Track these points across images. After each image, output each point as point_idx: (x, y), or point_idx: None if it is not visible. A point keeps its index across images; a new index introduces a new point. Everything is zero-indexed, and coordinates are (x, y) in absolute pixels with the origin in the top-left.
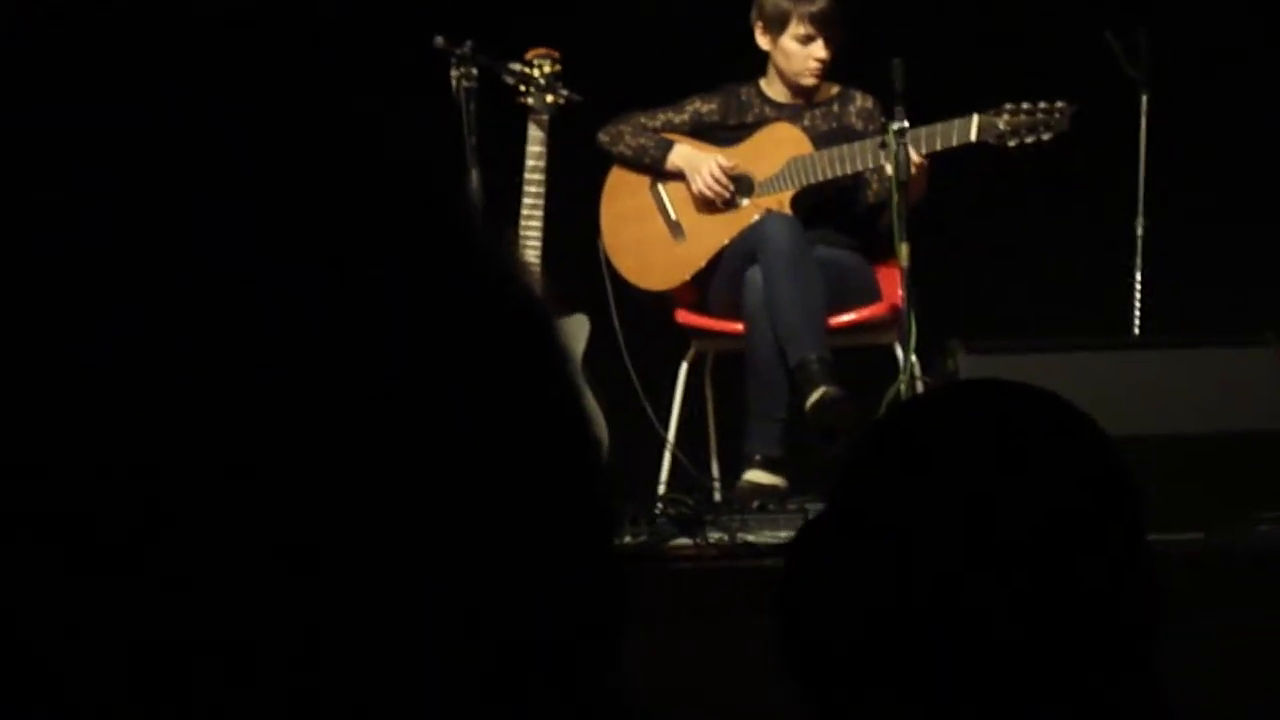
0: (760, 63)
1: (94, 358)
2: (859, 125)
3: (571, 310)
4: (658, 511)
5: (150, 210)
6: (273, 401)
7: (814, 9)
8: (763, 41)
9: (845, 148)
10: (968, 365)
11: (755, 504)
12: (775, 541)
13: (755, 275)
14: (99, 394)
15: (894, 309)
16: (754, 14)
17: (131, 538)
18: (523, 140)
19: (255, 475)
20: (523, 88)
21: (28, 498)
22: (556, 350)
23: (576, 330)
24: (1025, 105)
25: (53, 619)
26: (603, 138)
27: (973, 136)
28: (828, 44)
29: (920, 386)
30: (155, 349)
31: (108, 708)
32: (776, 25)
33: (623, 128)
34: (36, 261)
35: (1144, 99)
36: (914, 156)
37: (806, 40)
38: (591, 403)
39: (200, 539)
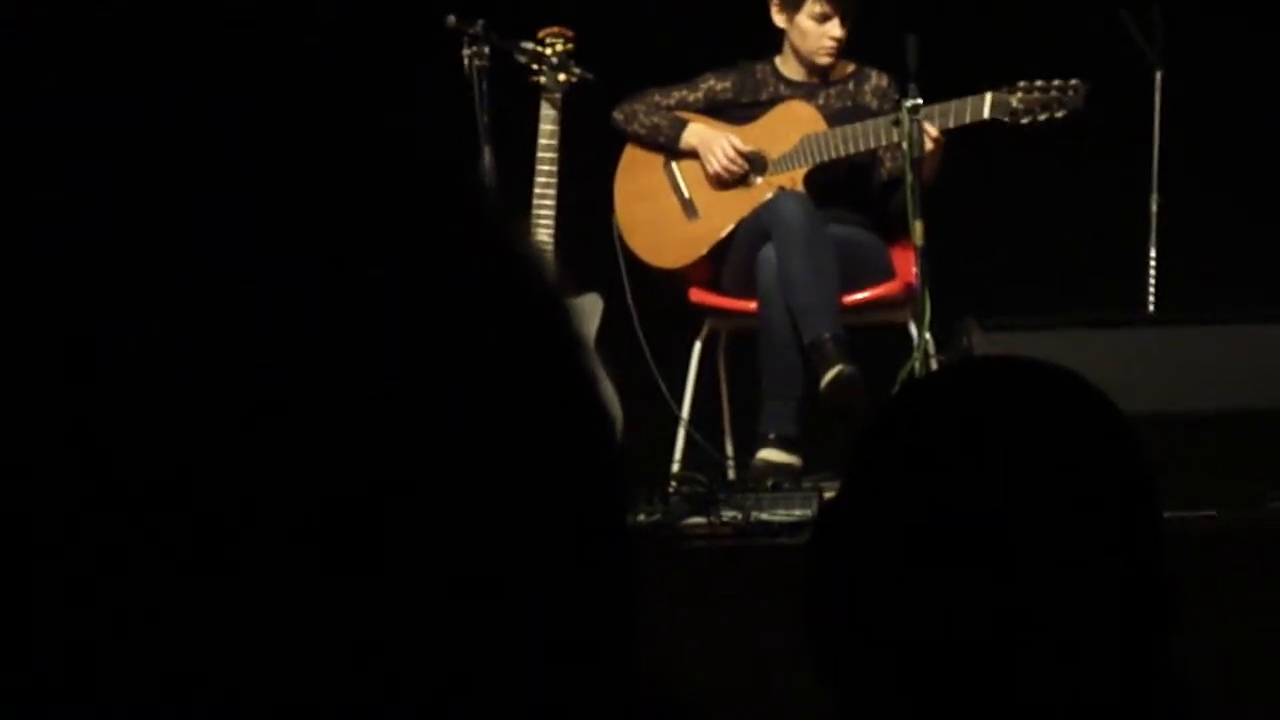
0: (775, 40)
1: (93, 358)
2: (874, 104)
3: (585, 289)
4: (671, 490)
5: (149, 210)
6: (274, 399)
7: None
8: (779, 19)
9: (859, 125)
10: (982, 342)
11: (769, 483)
12: (789, 520)
13: (769, 253)
14: (96, 396)
15: (908, 286)
16: None
17: (123, 544)
18: (535, 119)
19: (257, 473)
20: (535, 67)
21: (18, 498)
22: (570, 336)
23: (590, 309)
24: (1039, 83)
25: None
26: (617, 116)
27: (986, 114)
28: (844, 23)
29: (934, 364)
30: (155, 349)
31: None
32: (793, 3)
33: (637, 106)
34: (36, 261)
35: (1158, 76)
36: (930, 131)
37: (823, 19)
38: (606, 384)
39: (199, 544)
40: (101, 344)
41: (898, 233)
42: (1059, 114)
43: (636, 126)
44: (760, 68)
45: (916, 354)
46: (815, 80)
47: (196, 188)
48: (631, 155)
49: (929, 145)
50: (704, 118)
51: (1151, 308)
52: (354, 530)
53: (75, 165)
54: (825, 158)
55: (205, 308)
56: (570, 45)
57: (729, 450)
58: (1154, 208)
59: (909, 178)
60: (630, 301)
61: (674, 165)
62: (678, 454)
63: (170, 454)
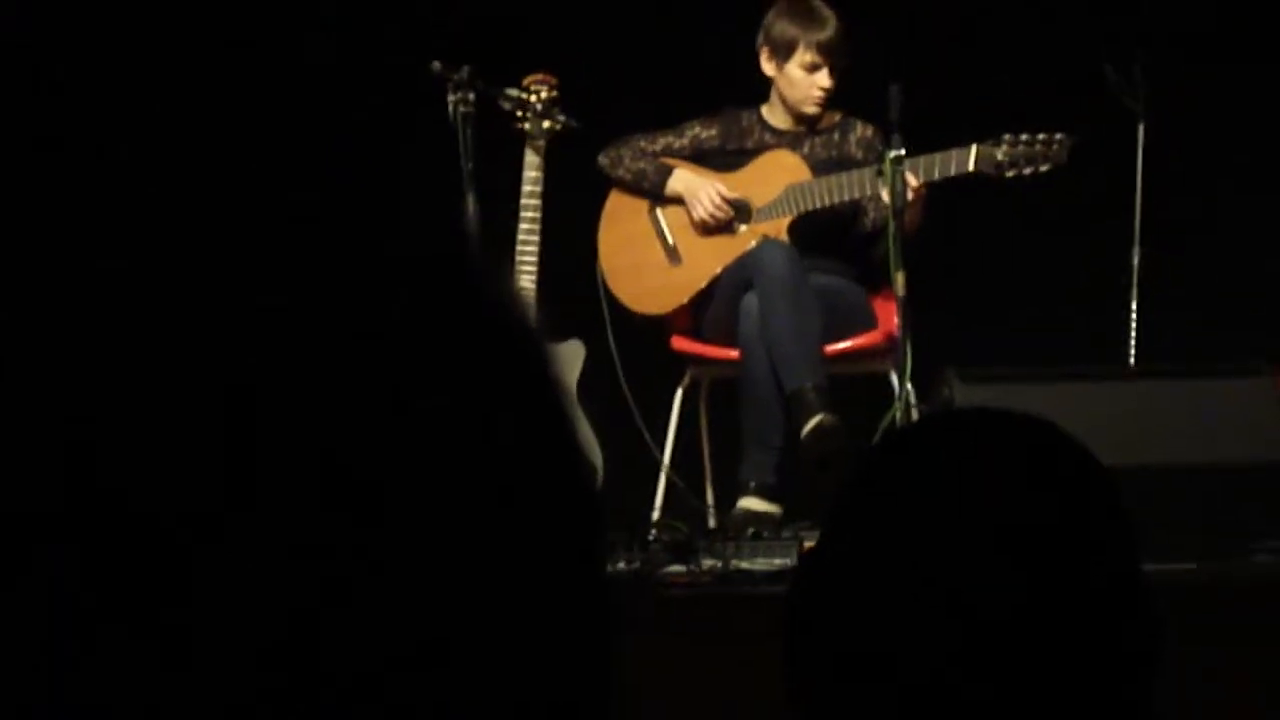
0: (761, 88)
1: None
2: (859, 154)
3: (568, 336)
4: (652, 538)
5: (146, 232)
6: (265, 423)
7: (822, 38)
8: (768, 68)
9: (843, 175)
10: (963, 394)
11: (749, 531)
12: (769, 569)
13: (751, 302)
14: (93, 411)
15: (890, 337)
16: (760, 39)
17: (126, 560)
18: (519, 166)
19: (254, 500)
20: (520, 113)
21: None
22: (551, 383)
23: (572, 356)
24: (1024, 137)
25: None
26: (602, 160)
27: (970, 167)
28: (833, 73)
29: (915, 415)
30: (153, 366)
31: None
32: (783, 52)
33: (622, 151)
34: (24, 271)
35: (1140, 129)
36: (911, 181)
37: (813, 69)
38: (587, 430)
39: (202, 554)
40: (93, 358)
41: (880, 282)
42: (1043, 168)
43: (622, 171)
44: (746, 115)
45: (898, 404)
46: (801, 129)
47: (182, 220)
48: (616, 201)
49: (910, 195)
50: (689, 164)
51: (1132, 360)
52: (331, 576)
53: (73, 172)
54: (810, 207)
55: (190, 330)
56: (554, 92)
57: (709, 498)
58: (1135, 260)
59: (891, 228)
60: (613, 348)
61: (658, 211)
62: (658, 501)
63: (171, 466)
